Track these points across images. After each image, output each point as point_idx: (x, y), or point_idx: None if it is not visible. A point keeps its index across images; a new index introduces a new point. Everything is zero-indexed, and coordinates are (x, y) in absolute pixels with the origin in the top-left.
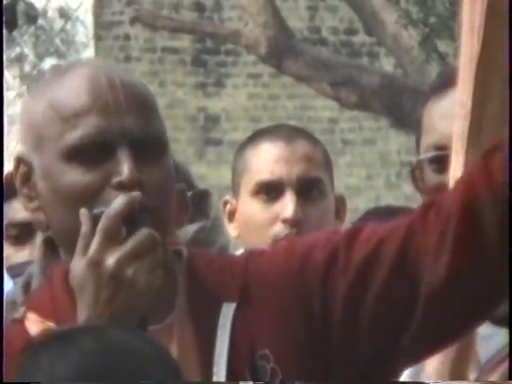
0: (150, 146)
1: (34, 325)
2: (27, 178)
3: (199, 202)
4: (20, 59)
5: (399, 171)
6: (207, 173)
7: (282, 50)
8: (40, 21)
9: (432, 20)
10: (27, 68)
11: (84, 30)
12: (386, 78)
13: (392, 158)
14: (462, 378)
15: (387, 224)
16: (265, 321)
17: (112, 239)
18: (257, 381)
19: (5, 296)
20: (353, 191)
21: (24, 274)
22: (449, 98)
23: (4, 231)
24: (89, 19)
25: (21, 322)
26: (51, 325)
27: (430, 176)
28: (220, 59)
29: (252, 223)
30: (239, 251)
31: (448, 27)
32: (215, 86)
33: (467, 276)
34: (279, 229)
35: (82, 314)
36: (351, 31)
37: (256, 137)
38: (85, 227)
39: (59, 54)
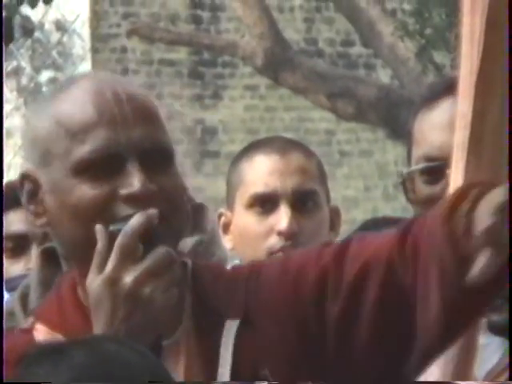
0: (158, 157)
1: (43, 335)
2: (34, 195)
3: (195, 216)
4: (17, 72)
5: (396, 182)
6: (204, 185)
7: (278, 62)
8: (37, 34)
9: (428, 31)
10: (24, 81)
11: (81, 43)
12: (383, 90)
13: (389, 169)
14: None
15: (373, 240)
16: (265, 339)
17: (129, 257)
18: None
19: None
20: (350, 203)
21: (20, 285)
22: (439, 109)
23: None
24: (85, 32)
25: (29, 332)
26: (59, 336)
27: (421, 187)
28: (217, 71)
29: (247, 235)
30: (234, 262)
31: (444, 39)
32: (212, 98)
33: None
34: (274, 241)
35: (98, 331)
36: (348, 43)
37: (250, 149)
38: (101, 244)
39: (56, 67)
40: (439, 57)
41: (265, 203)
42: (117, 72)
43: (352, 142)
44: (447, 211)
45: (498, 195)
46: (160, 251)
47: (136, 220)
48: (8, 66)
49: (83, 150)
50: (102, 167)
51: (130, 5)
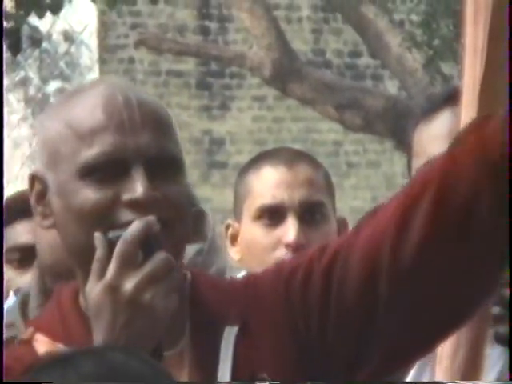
0: (165, 164)
1: (43, 346)
2: (42, 196)
3: (195, 223)
4: (24, 83)
5: None
6: (212, 196)
7: (286, 73)
8: (44, 44)
9: (436, 42)
10: (32, 91)
11: (88, 53)
12: (391, 101)
13: (397, 180)
14: (474, 378)
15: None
16: (263, 344)
17: (129, 264)
18: None
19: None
20: (358, 213)
21: (20, 293)
22: (438, 120)
23: (6, 255)
24: (93, 42)
25: (28, 342)
26: (61, 346)
27: None
28: (225, 82)
29: (254, 247)
30: (241, 273)
31: (452, 49)
32: (220, 108)
33: (442, 251)
34: (281, 253)
35: (98, 339)
36: (355, 54)
37: (258, 160)
38: (100, 251)
39: (64, 78)
40: (447, 68)
41: (272, 215)
42: None
43: (359, 153)
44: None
45: None
46: (159, 257)
47: (135, 226)
48: (16, 77)
49: (89, 153)
50: (106, 171)
51: (137, 16)
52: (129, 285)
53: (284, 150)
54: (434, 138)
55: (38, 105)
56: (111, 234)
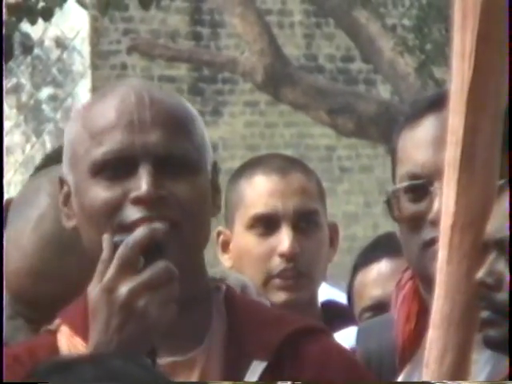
0: (174, 164)
1: (65, 338)
2: (67, 197)
3: None
4: (17, 89)
5: None
6: None
7: (278, 78)
8: (36, 51)
9: (428, 47)
10: (24, 98)
11: (81, 60)
12: (383, 105)
13: (390, 185)
14: (465, 366)
15: None
16: None
17: (128, 268)
18: None
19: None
20: (351, 218)
21: None
22: (422, 126)
23: None
24: (85, 49)
25: (53, 333)
26: (79, 341)
27: (406, 205)
28: (217, 87)
29: (247, 256)
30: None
31: (444, 54)
32: (212, 114)
33: None
34: (276, 263)
35: (92, 339)
36: (348, 59)
37: (249, 168)
38: (105, 253)
39: (56, 84)
40: (439, 72)
41: (266, 224)
42: None
43: (352, 157)
44: None
45: None
46: (159, 265)
47: (139, 232)
48: (8, 83)
49: (99, 151)
50: (115, 169)
51: (130, 21)
52: (124, 289)
53: (276, 157)
54: (418, 144)
55: (30, 111)
56: (117, 238)
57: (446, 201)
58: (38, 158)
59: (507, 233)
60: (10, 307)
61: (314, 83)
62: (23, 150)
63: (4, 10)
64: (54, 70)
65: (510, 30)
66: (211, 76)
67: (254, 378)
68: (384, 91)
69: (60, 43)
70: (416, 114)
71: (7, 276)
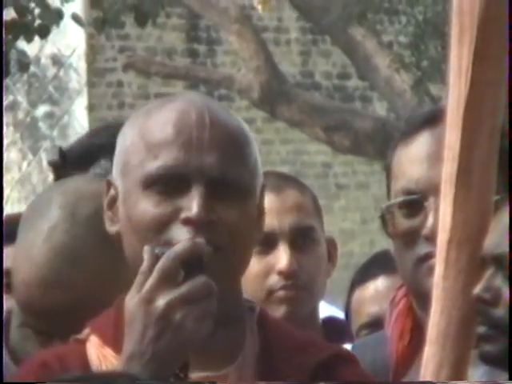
0: (227, 188)
1: (94, 348)
2: (113, 202)
3: None
4: (13, 107)
5: None
6: None
7: (274, 95)
8: (33, 68)
9: (424, 64)
10: (20, 115)
11: (77, 77)
12: (379, 122)
13: (386, 201)
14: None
15: None
16: None
17: (167, 280)
18: None
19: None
20: (347, 235)
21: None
22: (417, 142)
23: None
24: (82, 66)
25: (82, 342)
26: (109, 352)
27: (401, 221)
28: None
29: (246, 275)
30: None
31: (440, 71)
32: None
33: None
34: (274, 281)
35: (126, 350)
36: (344, 76)
37: None
38: (145, 264)
39: (52, 102)
40: (435, 89)
41: (263, 242)
42: (113, 106)
43: (348, 174)
44: None
45: None
46: (199, 280)
47: (181, 245)
48: (4, 101)
49: (153, 164)
50: (167, 185)
51: (126, 39)
52: (162, 301)
53: (270, 174)
54: (412, 160)
55: (26, 129)
56: (158, 250)
57: (442, 216)
58: (35, 176)
59: (506, 248)
60: (18, 317)
61: (310, 100)
62: (20, 167)
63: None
64: (51, 88)
65: (511, 31)
66: (208, 93)
67: None
68: (380, 108)
69: (56, 61)
70: (411, 130)
71: (17, 286)
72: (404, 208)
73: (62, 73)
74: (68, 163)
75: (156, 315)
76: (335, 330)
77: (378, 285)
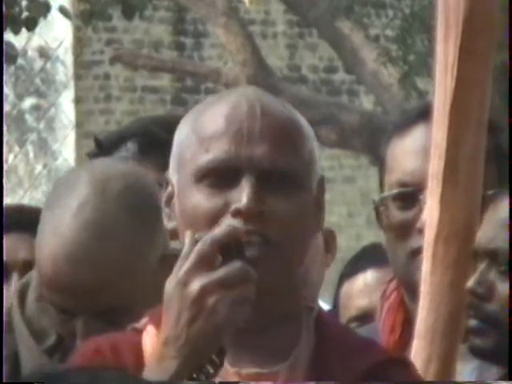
0: (278, 179)
1: (150, 338)
2: (170, 198)
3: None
4: None
5: None
6: None
7: (261, 89)
8: (20, 60)
9: (411, 58)
10: (7, 108)
11: (64, 70)
12: (366, 116)
13: (372, 195)
14: (449, 376)
15: None
16: None
17: (204, 264)
18: None
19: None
20: (334, 229)
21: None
22: (412, 135)
23: None
24: (69, 59)
25: (139, 332)
26: None
27: (395, 213)
28: (200, 98)
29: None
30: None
31: (427, 65)
32: None
33: None
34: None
35: (162, 333)
36: (331, 69)
37: None
38: (186, 248)
39: (39, 94)
40: (422, 83)
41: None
42: (100, 99)
43: (335, 168)
44: None
45: None
46: (236, 265)
47: (220, 230)
48: None
49: (205, 158)
50: (218, 178)
51: (113, 31)
52: (196, 284)
53: None
54: (407, 153)
55: (13, 121)
56: (197, 235)
57: (429, 212)
58: (21, 168)
59: (500, 243)
60: (36, 290)
61: (296, 94)
62: (6, 159)
63: None
64: (37, 80)
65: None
66: (194, 86)
67: None
68: (367, 102)
69: (43, 53)
70: (405, 123)
71: (42, 262)
72: (398, 201)
73: (48, 65)
74: (102, 150)
75: (190, 298)
76: None
77: (367, 278)
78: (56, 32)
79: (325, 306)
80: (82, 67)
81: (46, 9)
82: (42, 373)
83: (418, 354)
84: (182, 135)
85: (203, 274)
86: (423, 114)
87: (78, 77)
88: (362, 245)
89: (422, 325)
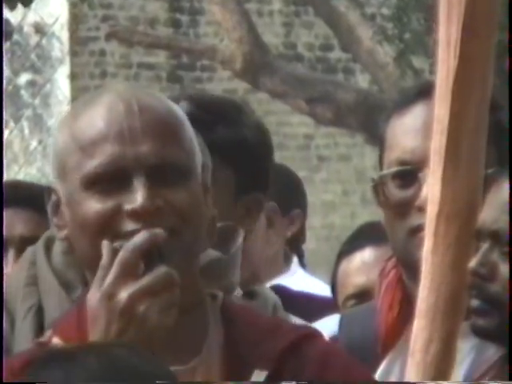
0: (167, 172)
1: None
2: (57, 207)
3: (224, 236)
4: None
5: None
6: None
7: (257, 66)
8: (15, 36)
9: (407, 36)
10: (3, 83)
11: (59, 46)
12: (362, 94)
13: (367, 174)
14: (445, 377)
15: None
16: None
17: (128, 273)
18: None
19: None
20: (328, 207)
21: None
22: (412, 114)
23: None
24: (64, 35)
25: (45, 345)
26: None
27: (394, 191)
28: (195, 75)
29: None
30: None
31: (423, 43)
32: None
33: None
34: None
35: None
36: (327, 47)
37: None
38: (105, 259)
39: (35, 70)
40: (418, 62)
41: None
42: (95, 75)
43: (330, 146)
44: None
45: None
46: (160, 270)
47: (139, 237)
48: None
49: (91, 164)
50: (108, 182)
51: (109, 8)
52: (124, 294)
53: None
54: (407, 131)
55: (8, 97)
56: (116, 243)
57: (431, 189)
58: (17, 144)
59: (503, 224)
60: (63, 244)
61: (292, 72)
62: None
63: None
64: (33, 56)
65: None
66: (190, 63)
67: None
68: (363, 80)
69: (39, 29)
70: (405, 101)
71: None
72: (398, 179)
73: (44, 41)
74: None
75: (119, 309)
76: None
77: (365, 256)
78: (52, 8)
79: (320, 283)
80: (77, 43)
81: None
82: (52, 351)
83: (419, 333)
84: (59, 143)
85: (129, 284)
86: (423, 93)
87: (73, 53)
88: (357, 223)
89: (422, 304)
